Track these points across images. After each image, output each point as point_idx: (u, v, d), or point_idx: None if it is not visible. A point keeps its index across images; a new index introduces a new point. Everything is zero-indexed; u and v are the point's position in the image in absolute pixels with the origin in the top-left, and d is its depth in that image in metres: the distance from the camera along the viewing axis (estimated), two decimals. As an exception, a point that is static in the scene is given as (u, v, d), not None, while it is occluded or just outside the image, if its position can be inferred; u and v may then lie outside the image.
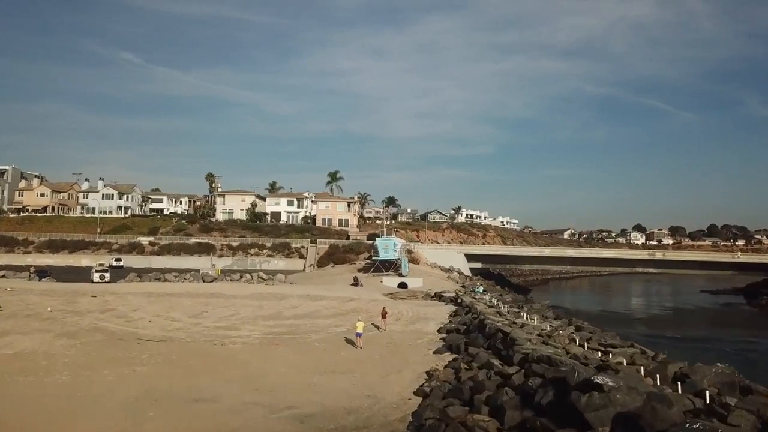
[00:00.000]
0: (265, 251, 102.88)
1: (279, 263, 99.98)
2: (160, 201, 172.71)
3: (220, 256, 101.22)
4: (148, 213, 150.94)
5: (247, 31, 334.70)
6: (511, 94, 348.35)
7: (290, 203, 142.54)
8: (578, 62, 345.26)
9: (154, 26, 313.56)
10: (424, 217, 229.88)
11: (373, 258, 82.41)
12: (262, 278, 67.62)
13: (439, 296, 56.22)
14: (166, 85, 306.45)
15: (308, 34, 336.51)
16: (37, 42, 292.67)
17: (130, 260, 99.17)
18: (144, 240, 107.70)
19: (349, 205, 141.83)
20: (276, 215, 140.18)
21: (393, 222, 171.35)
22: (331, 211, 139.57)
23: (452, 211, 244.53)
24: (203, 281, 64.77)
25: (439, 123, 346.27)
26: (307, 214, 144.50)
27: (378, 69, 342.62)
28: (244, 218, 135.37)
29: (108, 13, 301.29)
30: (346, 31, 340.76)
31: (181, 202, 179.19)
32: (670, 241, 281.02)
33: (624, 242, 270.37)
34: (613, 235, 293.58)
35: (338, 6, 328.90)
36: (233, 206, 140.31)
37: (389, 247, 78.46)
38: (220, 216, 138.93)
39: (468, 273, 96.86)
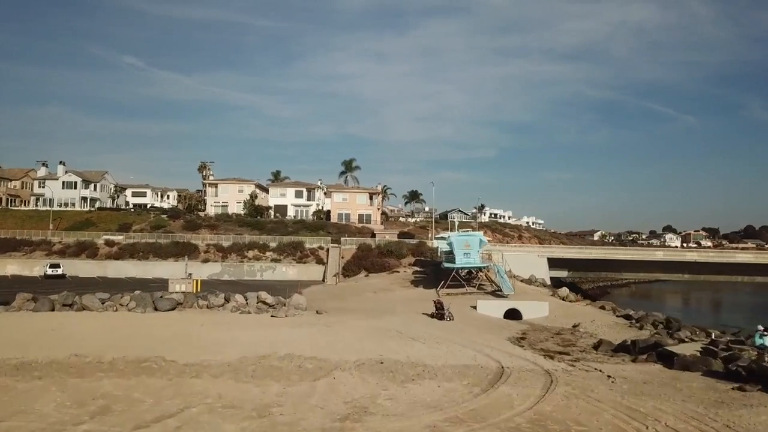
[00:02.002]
0: (268, 254, 71.17)
1: (288, 271, 68.48)
2: (143, 195, 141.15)
3: (205, 260, 69.44)
4: (123, 206, 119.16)
5: (250, 34, 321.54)
6: (512, 97, 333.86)
7: (299, 194, 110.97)
8: (580, 66, 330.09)
9: (157, 30, 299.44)
10: (444, 216, 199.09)
11: (445, 265, 50.78)
12: (265, 303, 35.90)
13: (635, 348, 24.83)
14: (168, 89, 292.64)
15: (310, 37, 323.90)
16: (39, 46, 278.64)
17: (77, 267, 67.61)
18: (101, 240, 75.87)
19: (371, 198, 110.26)
20: (281, 209, 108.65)
21: (415, 221, 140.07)
22: (350, 205, 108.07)
23: (474, 210, 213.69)
24: (154, 308, 33.16)
25: (441, 126, 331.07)
26: (320, 208, 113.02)
27: (379, 72, 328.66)
28: (242, 213, 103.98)
29: (111, 18, 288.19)
30: (348, 34, 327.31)
31: (168, 197, 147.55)
32: (709, 243, 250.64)
33: (658, 244, 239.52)
34: (644, 237, 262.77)
35: (340, 10, 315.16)
36: (228, 198, 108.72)
37: (472, 247, 46.79)
38: (211, 210, 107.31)
39: (549, 283, 65.91)
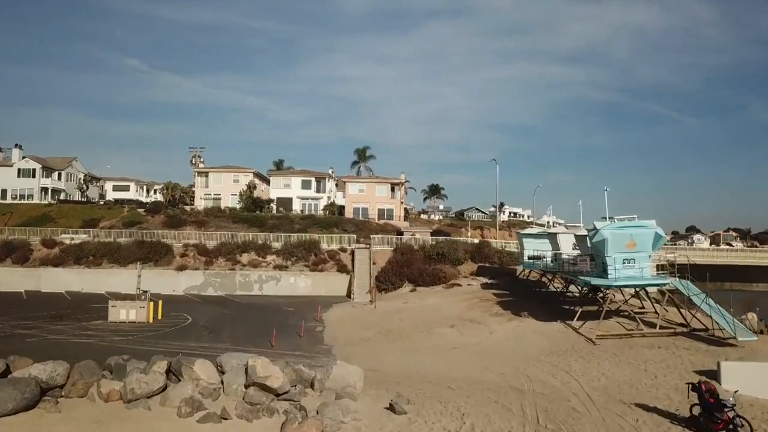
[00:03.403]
0: (270, 258, 49.47)
1: (299, 282, 47.07)
2: (125, 189, 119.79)
3: (182, 267, 47.84)
4: (97, 200, 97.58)
5: (252, 37, 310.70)
6: (514, 100, 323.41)
7: (306, 185, 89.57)
8: (582, 68, 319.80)
9: (159, 33, 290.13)
10: (462, 214, 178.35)
11: (592, 282, 28.09)
12: (264, 388, 14.49)
13: None
14: (169, 91, 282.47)
15: (312, 40, 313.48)
16: (40, 47, 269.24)
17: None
18: (37, 238, 54.45)
19: (392, 189, 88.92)
20: (285, 203, 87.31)
21: (439, 218, 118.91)
22: (368, 197, 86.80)
23: (492, 208, 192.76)
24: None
25: (442, 129, 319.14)
26: (331, 201, 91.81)
27: (381, 75, 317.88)
28: (237, 206, 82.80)
29: (113, 20, 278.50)
30: (349, 37, 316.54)
31: (155, 191, 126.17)
32: (740, 245, 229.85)
33: (685, 245, 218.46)
34: (668, 238, 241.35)
35: (343, 13, 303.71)
36: (221, 189, 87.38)
37: (640, 246, 24.91)
38: (200, 204, 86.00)
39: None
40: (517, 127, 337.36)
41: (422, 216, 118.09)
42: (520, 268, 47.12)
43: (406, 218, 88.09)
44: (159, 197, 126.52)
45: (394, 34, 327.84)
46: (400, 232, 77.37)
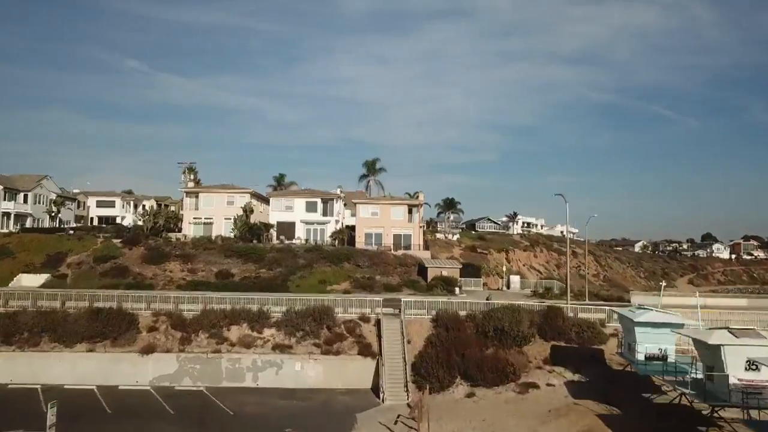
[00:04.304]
0: (268, 332, 35.93)
1: (308, 369, 33.90)
2: (110, 205, 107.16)
3: (147, 349, 34.44)
4: (70, 223, 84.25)
5: (252, 38, 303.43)
6: (515, 101, 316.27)
7: (311, 207, 76.40)
8: (582, 69, 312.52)
9: (160, 34, 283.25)
10: (473, 225, 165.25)
11: None
12: None
13: None
14: (170, 92, 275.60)
15: (313, 41, 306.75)
16: (41, 49, 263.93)
17: None
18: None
19: (410, 211, 76.06)
20: (287, 229, 74.26)
21: (457, 238, 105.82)
22: (382, 220, 73.93)
23: (505, 218, 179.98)
24: None
25: (443, 130, 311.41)
26: (340, 226, 78.82)
27: (382, 76, 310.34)
28: (231, 233, 69.83)
29: (114, 21, 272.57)
30: (350, 38, 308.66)
31: (143, 207, 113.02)
32: (761, 254, 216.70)
33: (704, 255, 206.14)
34: (685, 246, 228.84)
35: (343, 14, 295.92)
36: (214, 212, 74.38)
37: None
38: (189, 230, 73.01)
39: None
40: (518, 127, 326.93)
41: (449, 236, 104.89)
42: (606, 348, 34.18)
43: (425, 245, 75.14)
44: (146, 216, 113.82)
45: (394, 35, 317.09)
46: (422, 267, 64.57)
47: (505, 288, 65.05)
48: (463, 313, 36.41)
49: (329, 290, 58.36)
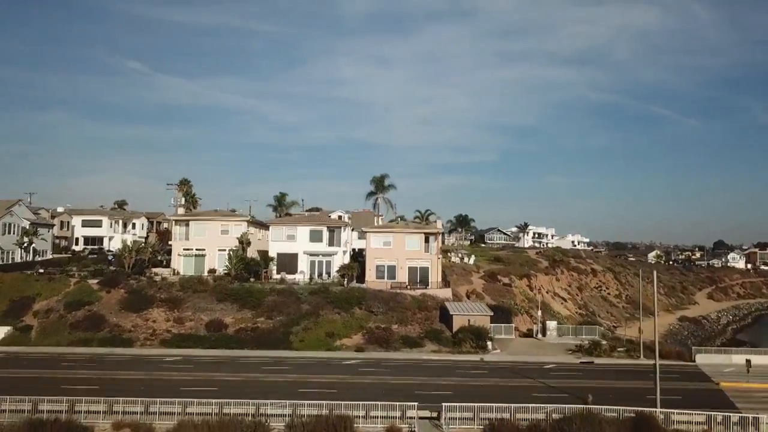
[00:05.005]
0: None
1: None
2: (97, 224, 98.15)
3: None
4: (47, 252, 75.06)
5: (254, 40, 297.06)
6: (515, 101, 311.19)
7: (315, 236, 66.96)
8: (582, 70, 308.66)
9: (161, 36, 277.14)
10: (481, 237, 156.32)
11: None
12: None
13: None
14: (171, 94, 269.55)
15: (314, 43, 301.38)
16: (42, 51, 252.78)
17: None
18: None
19: (427, 240, 66.73)
20: (288, 261, 65.02)
21: (474, 261, 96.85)
22: (395, 251, 64.64)
23: (515, 229, 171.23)
24: None
25: (443, 131, 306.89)
26: (348, 258, 69.70)
27: (383, 77, 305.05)
28: (225, 269, 60.69)
29: (115, 23, 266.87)
30: (351, 40, 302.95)
31: (133, 226, 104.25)
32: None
33: (719, 265, 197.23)
34: (698, 253, 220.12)
35: (344, 15, 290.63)
36: (206, 243, 65.07)
37: None
38: (178, 263, 63.84)
39: None
40: (518, 128, 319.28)
41: (465, 260, 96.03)
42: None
43: (444, 279, 66.13)
44: (141, 231, 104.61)
45: (395, 36, 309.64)
46: (444, 311, 55.57)
47: (540, 336, 56.02)
48: (524, 421, 27.30)
49: (338, 345, 49.64)
